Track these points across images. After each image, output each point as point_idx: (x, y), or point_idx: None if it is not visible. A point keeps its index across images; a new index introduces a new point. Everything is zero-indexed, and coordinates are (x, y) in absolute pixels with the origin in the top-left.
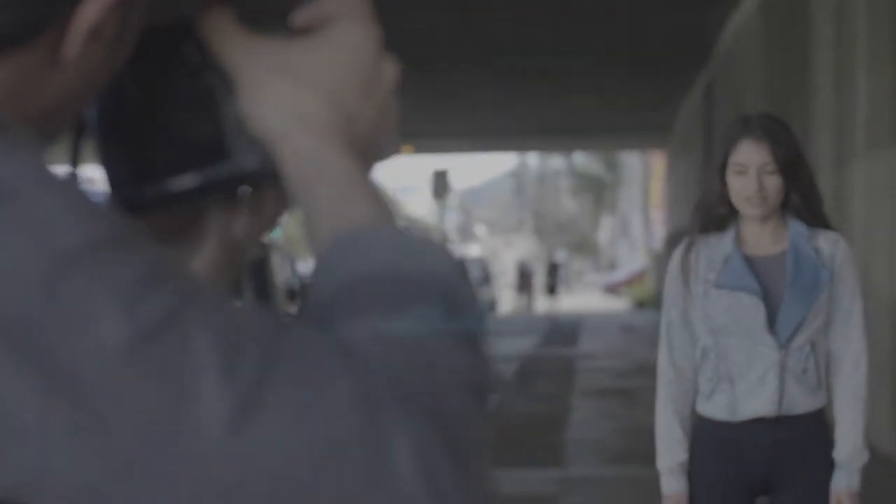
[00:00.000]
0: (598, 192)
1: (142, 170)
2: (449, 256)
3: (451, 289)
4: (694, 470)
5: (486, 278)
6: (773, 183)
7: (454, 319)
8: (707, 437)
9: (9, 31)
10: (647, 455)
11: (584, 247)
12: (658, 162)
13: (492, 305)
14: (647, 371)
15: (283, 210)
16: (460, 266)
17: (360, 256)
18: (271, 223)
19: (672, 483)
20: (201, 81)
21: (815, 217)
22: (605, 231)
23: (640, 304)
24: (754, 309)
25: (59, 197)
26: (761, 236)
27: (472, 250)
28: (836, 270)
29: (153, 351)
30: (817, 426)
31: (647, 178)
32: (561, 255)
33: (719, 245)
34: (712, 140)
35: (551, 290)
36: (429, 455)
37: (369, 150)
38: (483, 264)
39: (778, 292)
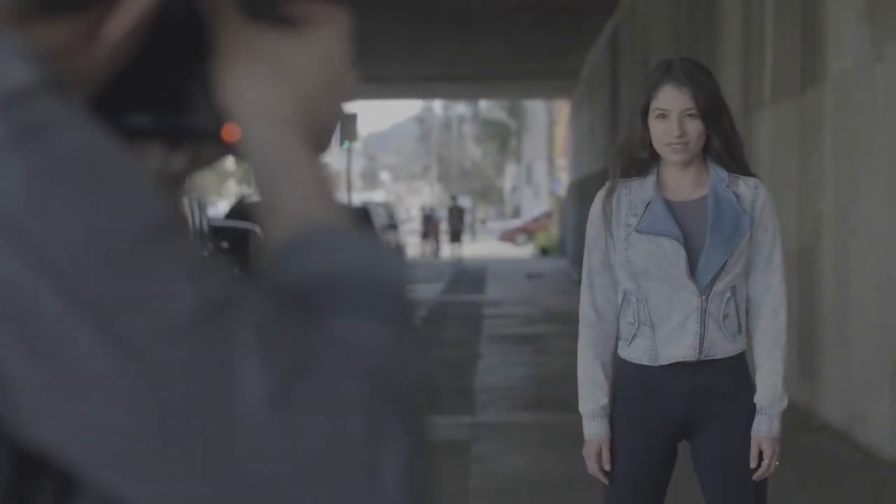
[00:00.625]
0: (503, 139)
1: (104, 96)
2: (403, 260)
3: (408, 292)
4: (616, 414)
5: (392, 224)
6: (695, 128)
7: (411, 321)
8: (628, 381)
9: None
10: (556, 401)
11: (489, 194)
12: (562, 109)
13: (399, 251)
14: (554, 318)
15: (218, 160)
16: (410, 269)
17: (330, 254)
18: (205, 167)
19: (594, 427)
20: (183, 38)
21: (736, 162)
22: (509, 178)
23: (545, 252)
24: (675, 254)
25: (133, 173)
26: (682, 181)
27: (377, 196)
28: (757, 216)
29: (209, 329)
30: (738, 371)
31: (551, 125)
32: (465, 202)
33: (640, 189)
34: (618, 87)
35: (455, 236)
36: (413, 461)
37: (318, 149)
38: (388, 210)
39: (699, 238)
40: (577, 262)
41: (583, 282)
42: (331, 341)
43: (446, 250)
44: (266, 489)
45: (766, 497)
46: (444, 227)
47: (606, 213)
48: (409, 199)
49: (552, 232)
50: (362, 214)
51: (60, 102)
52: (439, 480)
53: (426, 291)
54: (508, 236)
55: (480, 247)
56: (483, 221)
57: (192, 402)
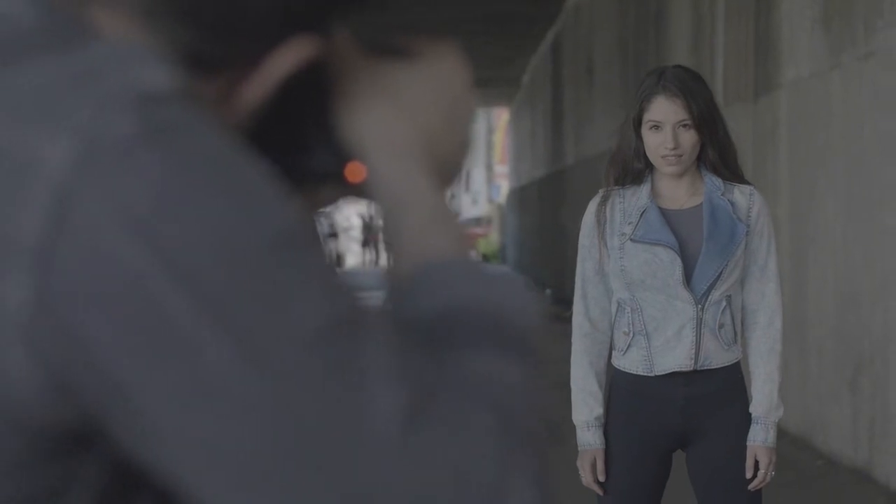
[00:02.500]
0: None
1: None
2: (527, 294)
3: (533, 326)
4: (610, 424)
5: (333, 233)
6: (689, 139)
7: (534, 356)
8: (623, 391)
9: (204, 56)
10: None
11: None
12: (501, 117)
13: (339, 260)
14: None
15: (337, 201)
16: (535, 304)
17: (455, 288)
18: (321, 208)
19: (588, 437)
20: (302, 77)
21: (731, 171)
22: None
23: (485, 258)
24: (671, 263)
25: (266, 183)
26: (677, 190)
27: None
28: (752, 224)
29: (341, 345)
30: (733, 380)
31: (489, 132)
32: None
33: (635, 198)
34: (560, 95)
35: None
36: (539, 499)
37: (443, 181)
38: (329, 219)
39: (694, 246)
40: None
41: (576, 291)
42: (458, 373)
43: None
44: None
45: None
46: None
47: (600, 222)
48: (347, 207)
49: (492, 238)
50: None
51: (195, 111)
52: None
53: (370, 300)
54: None
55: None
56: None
57: (321, 419)
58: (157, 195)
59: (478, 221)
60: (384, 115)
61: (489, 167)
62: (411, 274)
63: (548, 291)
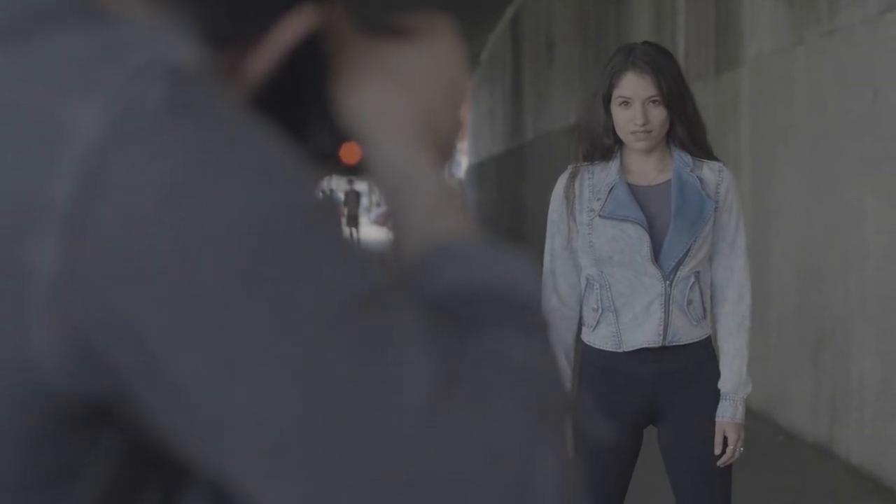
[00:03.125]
0: None
1: None
2: (533, 272)
3: (539, 305)
4: (579, 399)
5: None
6: (658, 115)
7: (547, 335)
8: (592, 367)
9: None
10: None
11: None
12: None
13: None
14: None
15: (326, 177)
16: (539, 281)
17: (467, 268)
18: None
19: None
20: (297, 57)
21: (699, 147)
22: None
23: None
24: (639, 239)
25: (293, 159)
26: (646, 166)
27: None
28: (721, 200)
29: (374, 315)
30: (703, 356)
31: None
32: (361, 185)
33: (604, 174)
34: (520, 71)
35: (352, 220)
36: (566, 477)
37: (441, 159)
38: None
39: (663, 222)
40: None
41: (544, 266)
42: (480, 350)
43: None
44: (418, 491)
45: (731, 482)
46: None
47: (569, 197)
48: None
49: None
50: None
51: (218, 87)
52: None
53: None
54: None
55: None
56: (378, 205)
57: (353, 390)
58: (190, 166)
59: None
60: (384, 92)
61: None
62: (421, 255)
63: None
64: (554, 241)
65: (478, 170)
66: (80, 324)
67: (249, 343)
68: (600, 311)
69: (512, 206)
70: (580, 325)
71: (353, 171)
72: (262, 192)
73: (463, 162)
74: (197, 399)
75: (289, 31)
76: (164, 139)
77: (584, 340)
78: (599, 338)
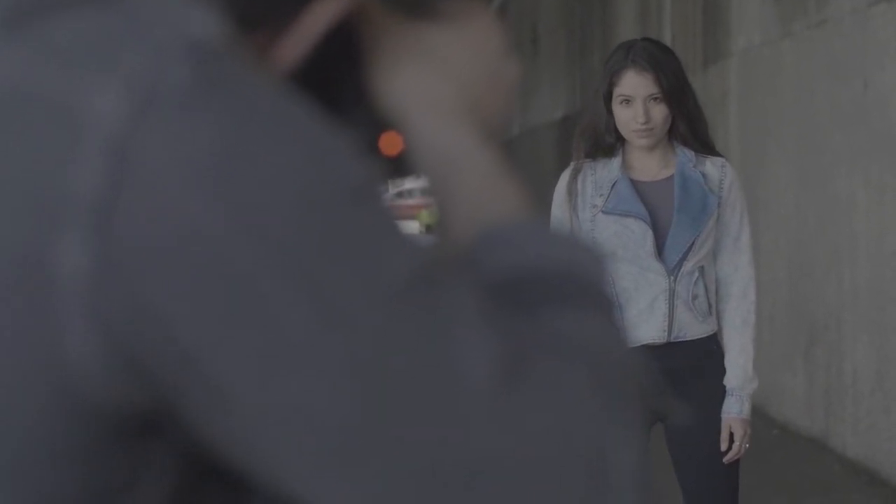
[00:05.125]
0: None
1: None
2: (597, 254)
3: (606, 285)
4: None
5: None
6: (660, 112)
7: (613, 314)
8: None
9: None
10: None
11: None
12: None
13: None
14: None
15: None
16: (605, 264)
17: (526, 248)
18: None
19: None
20: (329, 46)
21: (701, 144)
22: None
23: (430, 229)
24: (642, 235)
25: (331, 132)
26: (649, 162)
27: None
28: (724, 195)
29: (427, 299)
30: (709, 352)
31: None
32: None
33: (606, 170)
34: None
35: None
36: (641, 462)
37: (490, 143)
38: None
39: (666, 217)
40: None
41: None
42: (545, 331)
43: None
44: (487, 481)
45: (738, 478)
46: None
47: (572, 194)
48: None
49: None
50: None
51: (247, 63)
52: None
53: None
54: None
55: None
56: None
57: (412, 378)
58: (223, 146)
59: (423, 191)
60: (424, 75)
61: None
62: (473, 238)
63: None
64: None
65: None
66: (117, 327)
67: (297, 336)
68: None
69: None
70: None
71: (394, 164)
72: (306, 168)
73: None
74: (243, 400)
75: (320, 16)
76: (195, 116)
77: None
78: None
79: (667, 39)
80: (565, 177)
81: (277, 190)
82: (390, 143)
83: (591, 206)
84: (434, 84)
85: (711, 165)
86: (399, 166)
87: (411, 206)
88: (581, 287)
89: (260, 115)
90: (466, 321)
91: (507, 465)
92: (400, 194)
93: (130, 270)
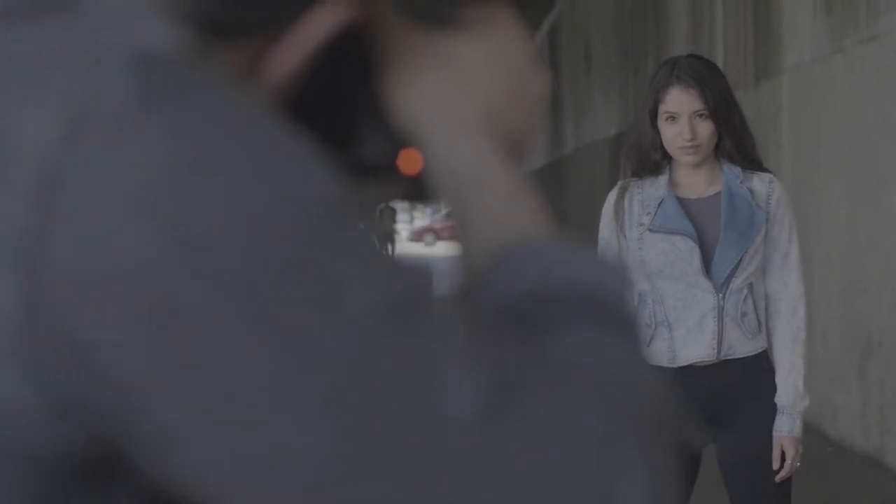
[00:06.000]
0: None
1: None
2: (621, 273)
3: (630, 306)
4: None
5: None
6: (706, 129)
7: (636, 337)
8: None
9: (231, 22)
10: None
11: None
12: None
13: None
14: None
15: (390, 197)
16: (629, 283)
17: (546, 267)
18: (375, 205)
19: None
20: (342, 59)
21: (748, 161)
22: None
23: None
24: (689, 252)
25: (299, 148)
26: (696, 179)
27: None
28: (772, 212)
29: (403, 330)
30: (759, 370)
31: None
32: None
33: (653, 188)
34: (558, 83)
35: (389, 236)
36: (654, 491)
37: (512, 158)
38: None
39: (713, 235)
40: None
41: None
42: (554, 354)
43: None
44: None
45: (790, 497)
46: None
47: (619, 213)
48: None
49: None
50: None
51: (208, 71)
52: None
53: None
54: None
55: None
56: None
57: (387, 416)
58: (165, 167)
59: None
60: (443, 86)
61: None
62: (493, 256)
63: None
64: None
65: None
66: (53, 370)
67: (251, 376)
68: (654, 326)
69: (554, 218)
70: None
71: (413, 184)
72: (262, 190)
73: None
74: (195, 447)
75: (318, 26)
76: (134, 133)
77: None
78: (654, 354)
79: (718, 55)
80: (612, 196)
81: (226, 216)
82: (409, 161)
83: (639, 225)
84: (452, 96)
85: (759, 181)
86: (419, 186)
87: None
88: (601, 308)
89: (211, 129)
90: (449, 354)
91: (502, 499)
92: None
93: (62, 312)
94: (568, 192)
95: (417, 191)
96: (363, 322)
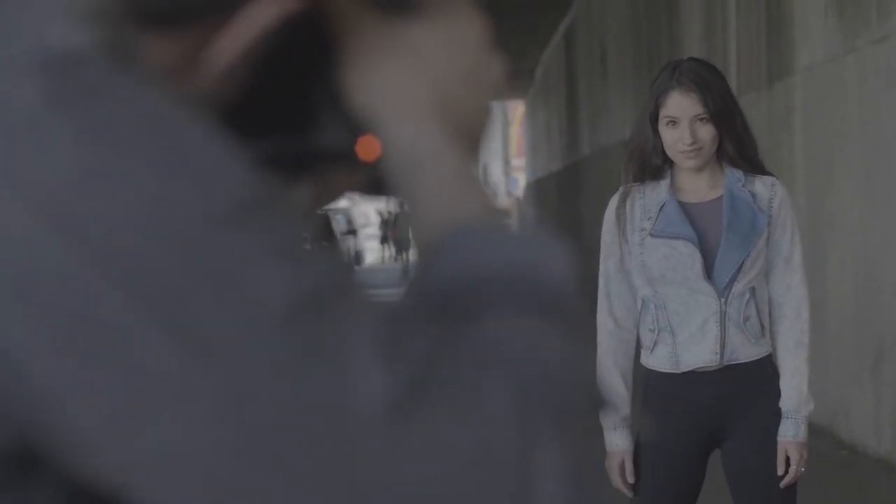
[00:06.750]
0: None
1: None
2: (563, 257)
3: (571, 291)
4: (644, 425)
5: (352, 230)
6: (707, 133)
7: (575, 322)
8: (652, 390)
9: (169, 9)
10: None
11: None
12: (517, 110)
13: (358, 258)
14: None
15: (347, 191)
16: (571, 267)
17: (482, 252)
18: (330, 201)
19: (615, 439)
20: (301, 45)
21: (750, 164)
22: None
23: None
24: (690, 256)
25: (212, 144)
26: (697, 183)
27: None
28: (774, 215)
29: (310, 325)
30: (764, 375)
31: (505, 126)
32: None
33: (654, 193)
34: (575, 86)
35: (404, 243)
36: (574, 479)
37: (464, 146)
38: (347, 216)
39: (715, 239)
40: None
41: (599, 290)
42: (477, 342)
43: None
44: None
45: (795, 503)
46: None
47: (620, 218)
48: (366, 204)
49: None
50: (323, 222)
51: (123, 70)
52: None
53: (390, 296)
54: None
55: None
56: None
57: (293, 413)
58: (70, 169)
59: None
60: (397, 72)
61: (506, 160)
62: (435, 240)
63: None
64: (608, 264)
65: (536, 187)
66: None
67: (154, 374)
68: (657, 331)
69: (570, 222)
70: (638, 347)
71: (372, 172)
72: (165, 194)
73: (520, 179)
74: (106, 444)
75: (262, 14)
76: (36, 143)
77: (644, 364)
78: (657, 359)
79: (732, 56)
80: (614, 202)
81: (130, 217)
82: (367, 148)
83: (640, 230)
84: (405, 82)
85: (761, 184)
86: (377, 173)
87: None
88: (534, 293)
89: (118, 137)
90: (361, 347)
91: (414, 493)
92: None
93: None
94: (584, 194)
95: (376, 179)
96: (271, 318)
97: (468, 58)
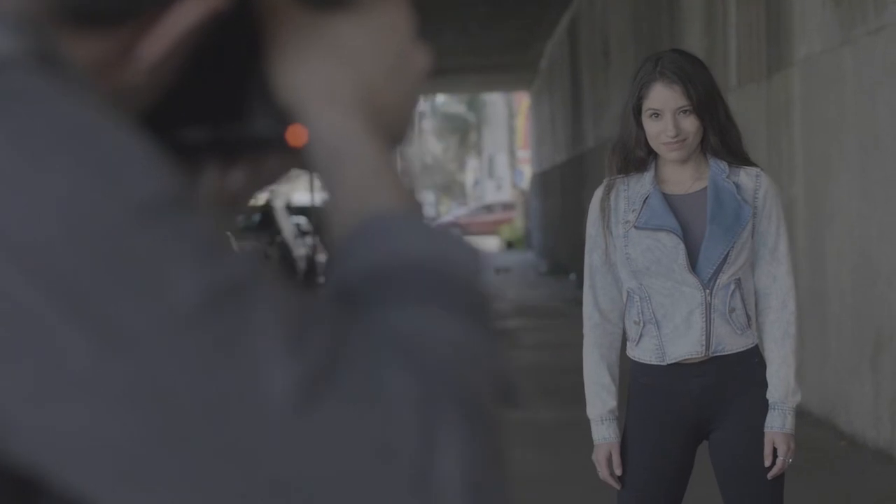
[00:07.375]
0: (463, 133)
1: (155, 114)
2: (473, 250)
3: (480, 284)
4: (630, 418)
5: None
6: (690, 124)
7: (483, 314)
8: (639, 383)
9: (95, 9)
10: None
11: (451, 188)
12: (522, 101)
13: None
14: (524, 312)
15: (284, 174)
16: (482, 260)
17: (392, 243)
18: (268, 184)
19: (602, 431)
20: (233, 37)
21: (734, 156)
22: (471, 172)
23: (510, 245)
24: (674, 248)
25: (128, 145)
26: (682, 174)
27: None
28: (759, 206)
29: (219, 318)
30: (750, 366)
31: (511, 117)
32: (427, 196)
33: (639, 185)
34: (579, 78)
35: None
36: (476, 467)
37: (388, 138)
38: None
39: (700, 230)
40: (544, 254)
41: (585, 282)
42: (382, 334)
43: None
44: (297, 499)
45: (782, 494)
46: None
47: (605, 211)
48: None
49: (517, 225)
50: (266, 212)
51: (44, 75)
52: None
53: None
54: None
55: None
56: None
57: (201, 402)
58: None
59: (505, 207)
60: (321, 64)
61: (512, 152)
62: (348, 230)
63: (572, 276)
64: (592, 257)
65: (541, 179)
66: None
67: (74, 364)
68: (642, 324)
69: (575, 214)
70: (624, 340)
71: (300, 159)
72: (80, 192)
73: (526, 171)
74: (24, 427)
75: (189, 12)
76: None
77: (630, 356)
78: (643, 351)
79: (732, 49)
80: (598, 194)
81: (46, 215)
82: (297, 135)
83: (624, 223)
84: (330, 74)
85: (746, 175)
86: (304, 158)
87: (491, 222)
88: (444, 284)
89: (34, 138)
90: (265, 341)
91: (314, 480)
92: (488, 208)
93: None
94: (588, 186)
95: (302, 162)
96: (181, 310)
97: (394, 50)
